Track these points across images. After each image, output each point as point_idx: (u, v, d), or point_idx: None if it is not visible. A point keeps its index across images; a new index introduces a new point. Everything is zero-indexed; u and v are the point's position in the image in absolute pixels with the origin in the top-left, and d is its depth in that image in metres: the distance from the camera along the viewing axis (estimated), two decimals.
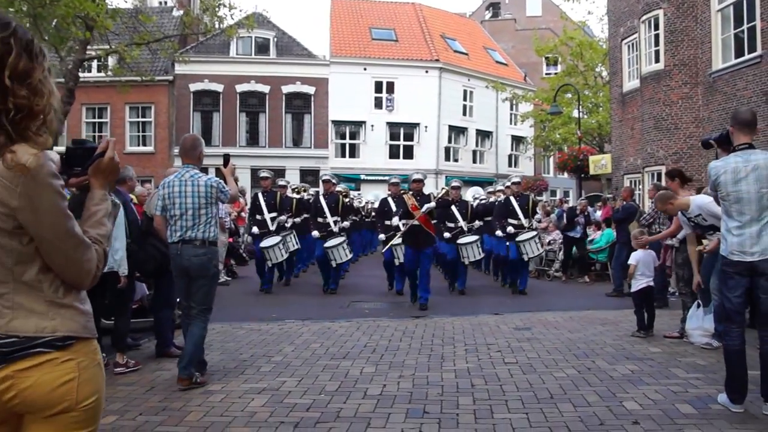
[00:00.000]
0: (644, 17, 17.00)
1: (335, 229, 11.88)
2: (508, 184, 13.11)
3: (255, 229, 11.89)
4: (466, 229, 12.02)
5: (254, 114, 32.39)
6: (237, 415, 4.58)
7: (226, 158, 5.90)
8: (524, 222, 11.90)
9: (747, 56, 13.72)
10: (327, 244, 11.54)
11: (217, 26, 21.13)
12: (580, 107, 28.51)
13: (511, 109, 36.82)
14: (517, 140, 38.15)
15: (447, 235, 11.89)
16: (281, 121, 32.24)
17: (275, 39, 32.46)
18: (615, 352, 6.58)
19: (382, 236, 11.20)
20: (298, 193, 14.81)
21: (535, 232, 11.94)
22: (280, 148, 31.62)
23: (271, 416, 4.55)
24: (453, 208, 12.00)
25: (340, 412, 4.62)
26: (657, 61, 16.60)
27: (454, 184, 12.63)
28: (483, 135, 36.68)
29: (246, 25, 20.93)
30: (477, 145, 36.40)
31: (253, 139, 32.32)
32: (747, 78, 13.63)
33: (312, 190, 15.51)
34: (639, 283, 7.81)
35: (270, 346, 7.03)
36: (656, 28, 16.62)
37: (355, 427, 4.32)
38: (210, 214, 5.53)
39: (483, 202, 14.27)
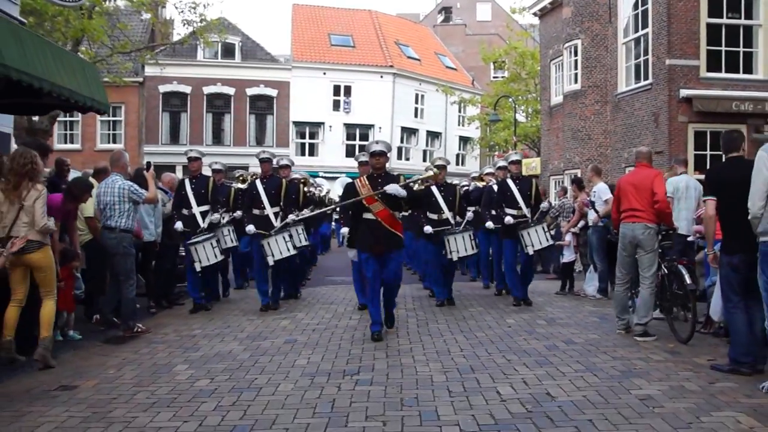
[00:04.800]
0: (566, 44, 20.25)
1: (277, 223, 9.12)
2: (502, 164, 10.51)
3: (179, 225, 8.89)
4: (453, 222, 9.44)
5: (220, 114, 34.61)
6: (275, 328, 7.58)
7: (148, 165, 8.08)
8: (526, 212, 9.39)
9: (642, 82, 16.97)
10: (263, 240, 8.90)
11: (190, 32, 23.42)
12: (521, 112, 31.79)
13: (460, 111, 39.72)
14: (464, 141, 41.22)
15: (428, 229, 9.26)
16: (245, 121, 34.58)
17: (240, 44, 34.65)
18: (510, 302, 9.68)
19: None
20: (243, 181, 11.61)
21: (541, 224, 9.52)
22: (244, 147, 33.48)
23: (295, 329, 7.55)
24: (436, 193, 9.41)
25: (338, 324, 7.71)
26: (575, 82, 19.88)
27: (439, 162, 9.85)
28: (433, 136, 39.70)
29: (219, 34, 23.45)
30: (427, 145, 39.37)
31: (218, 138, 34.53)
32: (642, 100, 16.91)
33: None
34: (568, 258, 11.14)
35: None
36: (576, 54, 19.88)
37: (349, 328, 7.45)
38: (122, 210, 7.18)
39: (467, 188, 12.21)
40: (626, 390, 4.91)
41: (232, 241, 9.83)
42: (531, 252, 9.29)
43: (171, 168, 30.17)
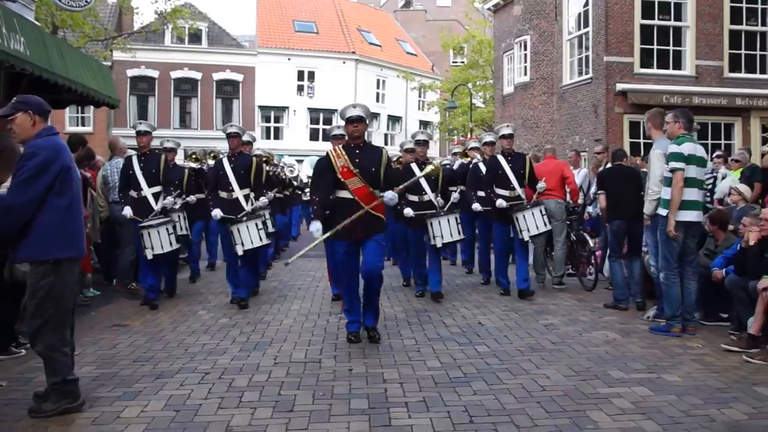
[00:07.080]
0: (517, 39, 22.08)
1: (247, 207, 7.97)
2: (489, 138, 9.44)
3: (128, 211, 7.78)
4: (436, 203, 8.30)
5: (187, 98, 35.83)
6: (267, 288, 9.24)
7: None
8: (520, 192, 8.32)
9: (584, 76, 18.85)
10: (233, 226, 7.75)
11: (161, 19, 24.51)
12: (479, 98, 33.56)
13: (420, 96, 41.41)
14: (424, 124, 42.68)
15: (409, 212, 8.13)
16: (212, 105, 35.89)
17: (207, 29, 35.71)
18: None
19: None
20: (197, 160, 10.56)
21: (539, 206, 8.24)
22: (210, 131, 34.48)
23: (284, 288, 9.23)
24: (417, 172, 8.06)
25: (318, 285, 9.43)
26: (525, 74, 21.75)
27: (420, 137, 8.65)
28: (393, 120, 41.32)
29: (191, 25, 24.70)
30: (388, 129, 40.96)
31: (185, 122, 35.76)
32: (583, 92, 18.80)
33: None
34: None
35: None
36: (525, 48, 21.73)
37: (329, 288, 8.99)
38: None
39: (449, 165, 11.09)
40: (536, 321, 6.83)
41: (182, 229, 8.90)
42: (526, 238, 8.20)
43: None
